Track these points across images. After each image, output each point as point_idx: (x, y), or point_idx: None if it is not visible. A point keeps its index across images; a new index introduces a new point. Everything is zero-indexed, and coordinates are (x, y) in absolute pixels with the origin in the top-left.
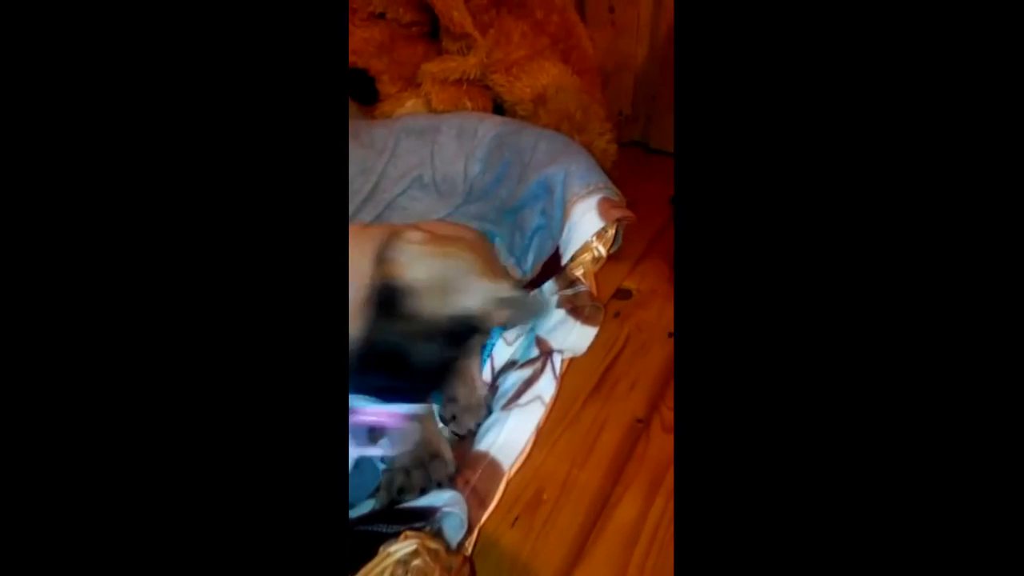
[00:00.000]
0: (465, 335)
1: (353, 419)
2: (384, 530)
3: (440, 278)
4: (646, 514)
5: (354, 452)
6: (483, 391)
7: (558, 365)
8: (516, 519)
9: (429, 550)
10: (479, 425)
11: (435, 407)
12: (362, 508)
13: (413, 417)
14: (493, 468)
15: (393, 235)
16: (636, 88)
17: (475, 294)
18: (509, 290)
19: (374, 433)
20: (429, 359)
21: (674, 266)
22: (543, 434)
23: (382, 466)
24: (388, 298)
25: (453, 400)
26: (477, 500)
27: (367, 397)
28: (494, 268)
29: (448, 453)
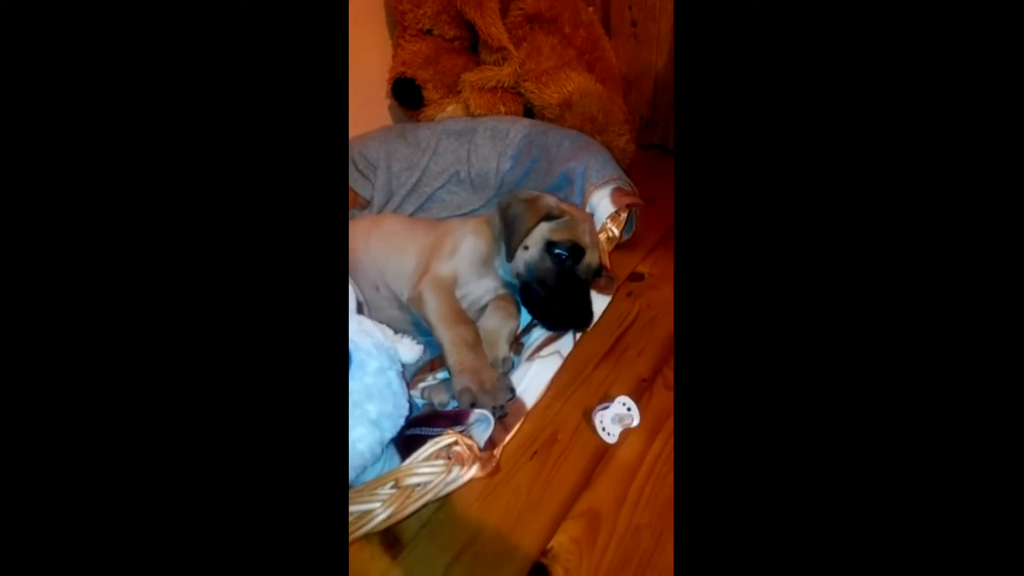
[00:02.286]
0: (596, 276)
1: None
2: (430, 433)
3: (591, 240)
4: (646, 452)
5: None
6: (506, 352)
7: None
8: (535, 453)
9: (465, 443)
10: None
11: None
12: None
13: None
14: (517, 404)
15: (542, 202)
16: (656, 95)
17: (599, 250)
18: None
19: None
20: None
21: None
22: (560, 389)
23: (422, 402)
24: (576, 255)
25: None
26: (502, 426)
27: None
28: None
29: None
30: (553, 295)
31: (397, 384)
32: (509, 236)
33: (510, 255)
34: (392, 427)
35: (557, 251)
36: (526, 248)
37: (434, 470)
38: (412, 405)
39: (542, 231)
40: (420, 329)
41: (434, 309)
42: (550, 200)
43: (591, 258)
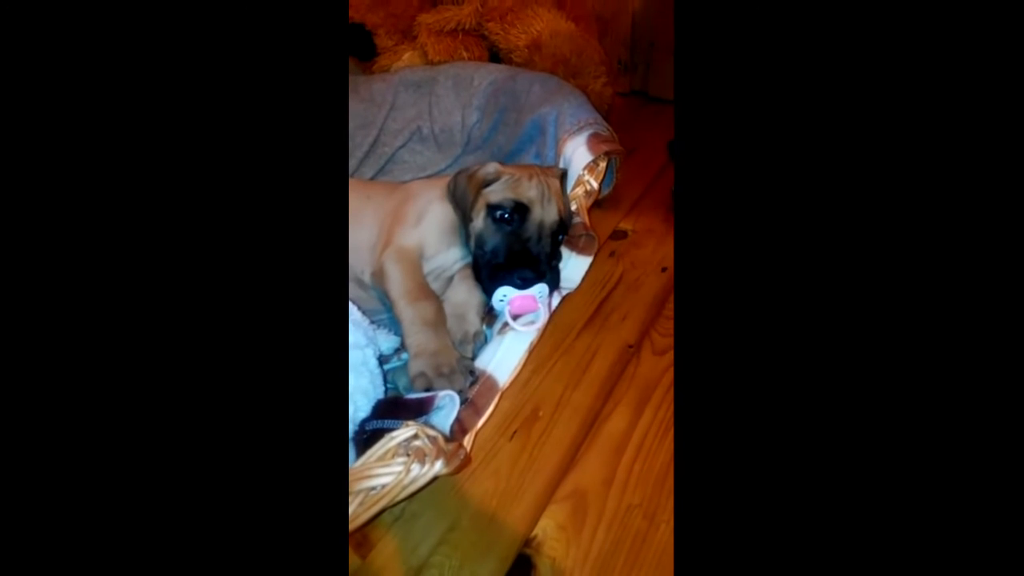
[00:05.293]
0: (560, 233)
1: (513, 307)
2: (389, 426)
3: (540, 194)
4: (635, 425)
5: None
6: (477, 325)
7: (554, 298)
8: (514, 433)
9: (428, 435)
10: (474, 354)
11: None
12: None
13: (542, 296)
14: (489, 383)
15: (481, 171)
16: (634, 35)
17: (558, 204)
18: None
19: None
20: (546, 251)
21: (673, 204)
22: (539, 361)
23: (391, 385)
24: (520, 213)
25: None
26: (473, 409)
27: (512, 289)
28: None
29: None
30: (504, 263)
31: (374, 364)
32: (462, 215)
33: (467, 235)
34: (367, 404)
35: (499, 213)
36: (471, 221)
37: (391, 471)
38: (388, 390)
39: (484, 197)
40: (387, 307)
41: (396, 284)
42: (490, 167)
43: (542, 214)
